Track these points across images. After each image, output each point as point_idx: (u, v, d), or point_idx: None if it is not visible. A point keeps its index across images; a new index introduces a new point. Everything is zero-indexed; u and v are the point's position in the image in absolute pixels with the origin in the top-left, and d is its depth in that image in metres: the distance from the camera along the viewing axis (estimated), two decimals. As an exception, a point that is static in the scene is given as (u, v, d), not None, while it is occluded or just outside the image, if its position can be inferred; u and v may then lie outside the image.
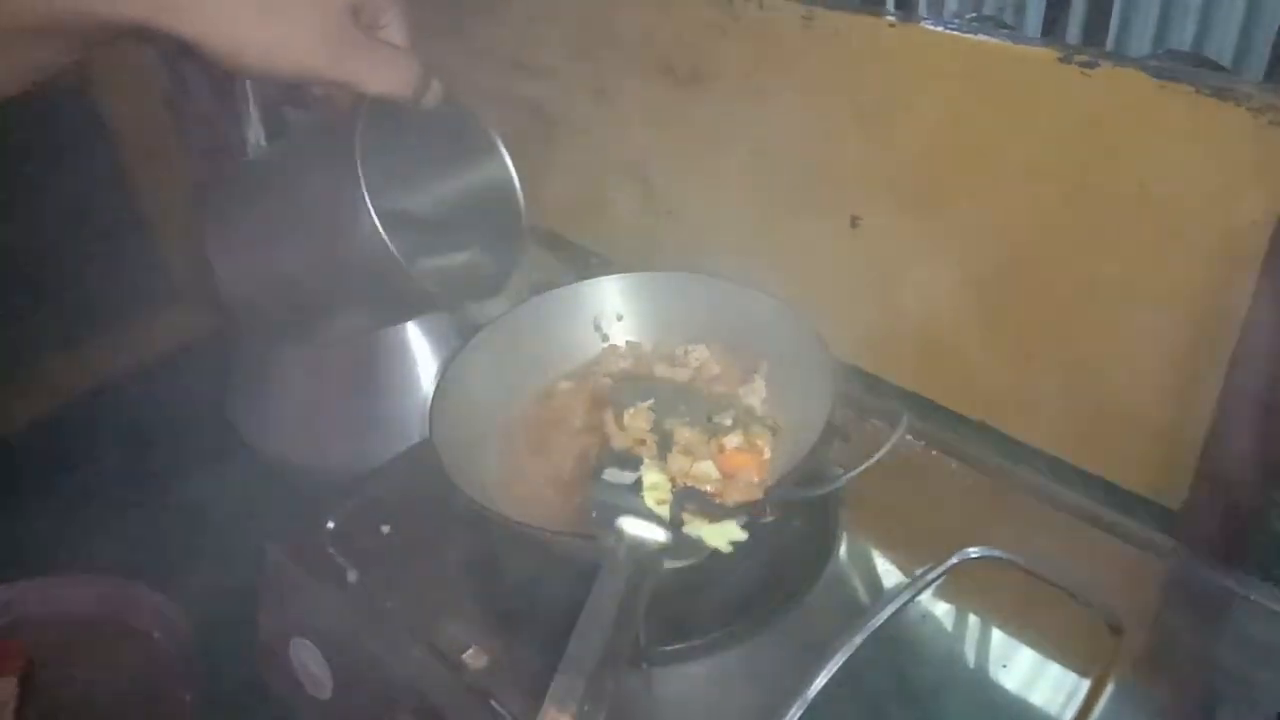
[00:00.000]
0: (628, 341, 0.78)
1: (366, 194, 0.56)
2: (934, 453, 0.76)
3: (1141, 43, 0.88)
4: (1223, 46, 0.83)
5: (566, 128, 1.00)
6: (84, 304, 1.19)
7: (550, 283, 0.81)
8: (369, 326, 0.77)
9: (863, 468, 0.60)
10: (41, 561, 0.98)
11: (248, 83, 0.64)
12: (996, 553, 0.66)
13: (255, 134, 0.63)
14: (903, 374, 0.85)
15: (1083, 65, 0.63)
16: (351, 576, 0.69)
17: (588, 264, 1.05)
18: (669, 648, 0.63)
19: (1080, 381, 0.73)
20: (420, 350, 0.84)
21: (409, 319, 0.83)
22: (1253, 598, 0.63)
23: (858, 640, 0.62)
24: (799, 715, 0.58)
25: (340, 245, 0.59)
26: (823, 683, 0.60)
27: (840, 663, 0.60)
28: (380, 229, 0.57)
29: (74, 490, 1.01)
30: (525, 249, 0.68)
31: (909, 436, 0.77)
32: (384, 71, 0.54)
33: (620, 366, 0.77)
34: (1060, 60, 0.64)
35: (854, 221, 0.81)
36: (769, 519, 0.58)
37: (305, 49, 0.50)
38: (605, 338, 0.79)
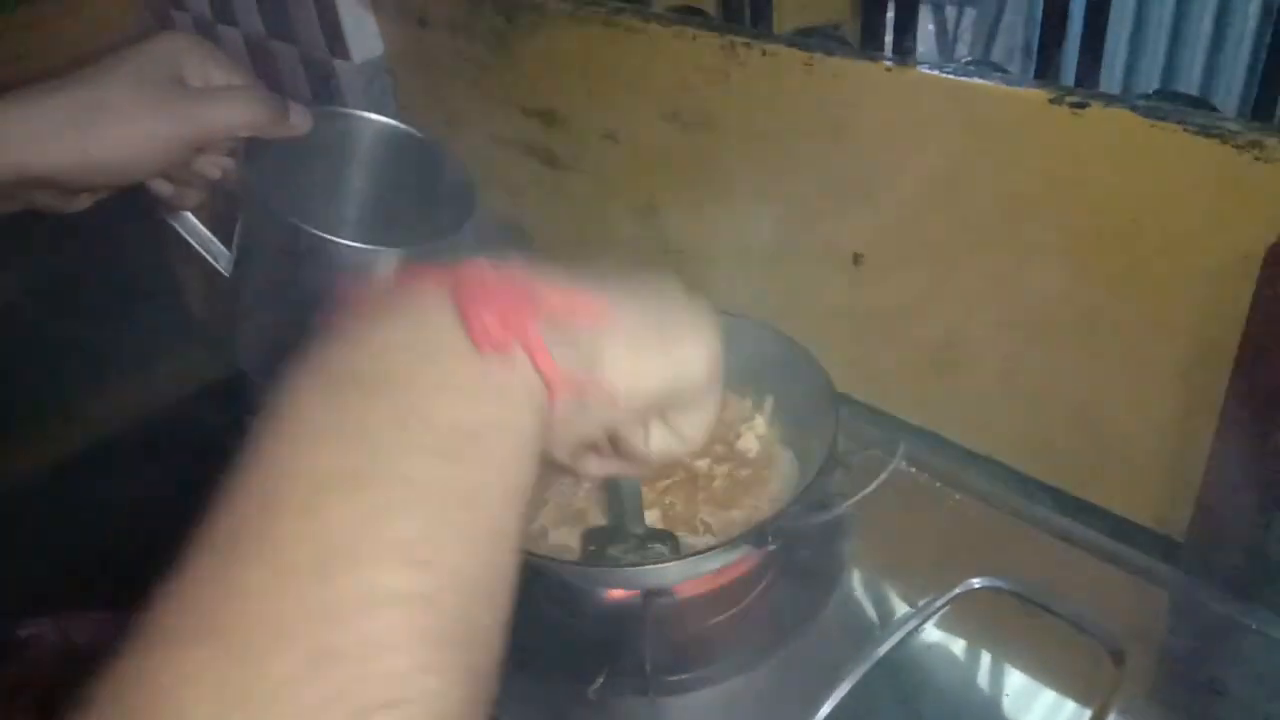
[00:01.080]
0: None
1: (268, 208, 0.59)
2: (938, 485, 0.77)
3: (1149, 82, 0.90)
4: (1230, 88, 0.85)
5: (578, 172, 1.03)
6: (111, 343, 1.22)
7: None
8: None
9: (859, 496, 0.61)
10: (60, 595, 1.00)
11: (185, 215, 0.67)
12: (1000, 583, 0.67)
13: (217, 252, 0.66)
14: (909, 408, 0.86)
15: (1073, 106, 0.65)
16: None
17: (600, 304, 1.07)
18: (675, 677, 0.64)
19: (1081, 415, 0.74)
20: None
21: None
22: (1255, 627, 0.63)
23: (862, 670, 0.63)
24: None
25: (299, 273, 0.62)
26: (827, 711, 0.61)
27: (845, 691, 0.61)
28: (297, 222, 0.59)
29: (102, 525, 1.03)
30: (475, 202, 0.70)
31: (913, 469, 0.78)
32: (232, 109, 0.59)
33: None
34: (1051, 101, 0.65)
35: (856, 259, 0.83)
36: (771, 547, 0.59)
37: (148, 127, 0.56)
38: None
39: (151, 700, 0.24)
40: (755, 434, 0.72)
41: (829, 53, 0.76)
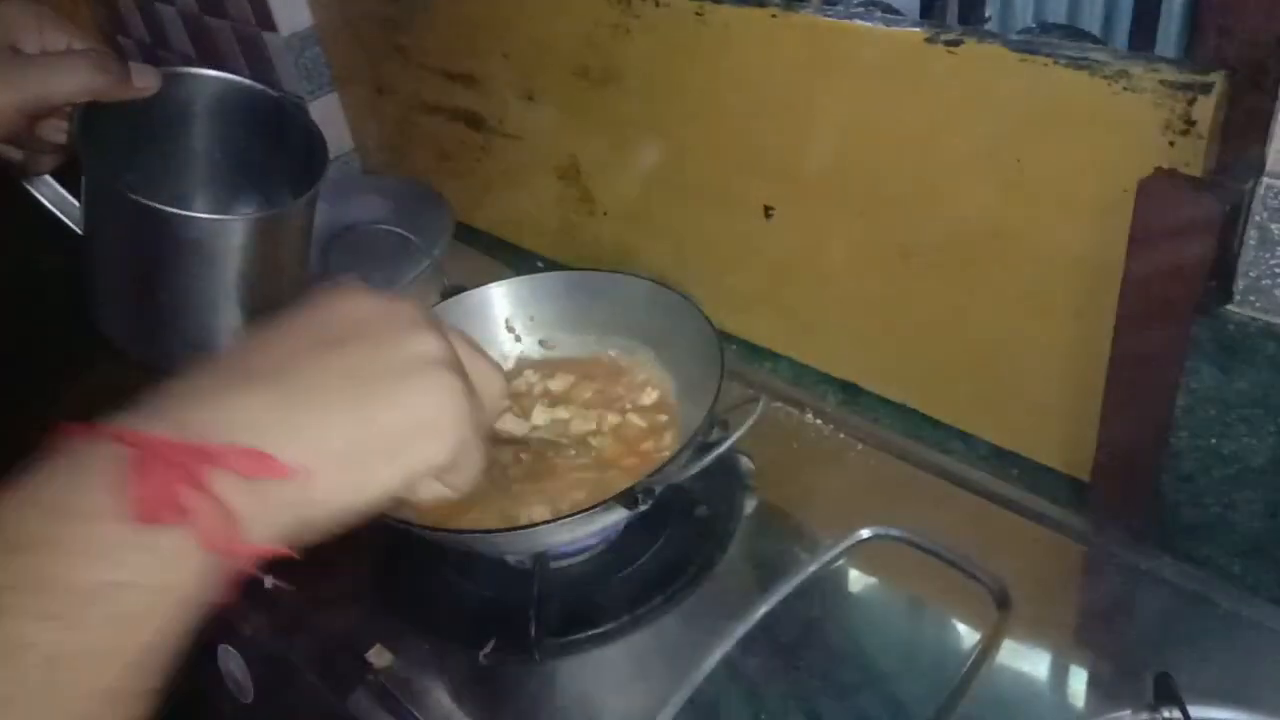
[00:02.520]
0: (540, 340, 0.80)
1: (96, 175, 0.58)
2: (842, 436, 0.76)
3: (1025, 19, 0.88)
4: (1122, 21, 0.83)
5: (501, 135, 1.02)
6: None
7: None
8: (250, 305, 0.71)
9: (716, 452, 0.60)
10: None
11: (41, 179, 0.66)
12: (893, 531, 0.66)
13: (75, 213, 0.65)
14: (824, 359, 0.85)
15: (948, 44, 0.63)
16: (268, 583, 0.71)
17: (534, 267, 1.06)
18: (563, 639, 0.64)
19: (985, 357, 0.73)
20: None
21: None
22: (1144, 568, 0.63)
23: (748, 625, 0.63)
24: (687, 696, 0.59)
25: (142, 238, 0.61)
26: (712, 664, 0.61)
27: (733, 643, 0.61)
28: (125, 191, 0.58)
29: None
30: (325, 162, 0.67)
31: (818, 421, 0.78)
32: (68, 74, 0.57)
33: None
34: (927, 40, 0.64)
35: (767, 212, 0.81)
36: (643, 508, 0.59)
37: None
38: (518, 338, 0.80)
39: None
40: (648, 400, 0.72)
41: (718, 1, 0.74)
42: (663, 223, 0.92)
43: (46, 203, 0.65)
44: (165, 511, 0.30)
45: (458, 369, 0.39)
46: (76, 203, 0.64)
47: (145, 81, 0.60)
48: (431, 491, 0.41)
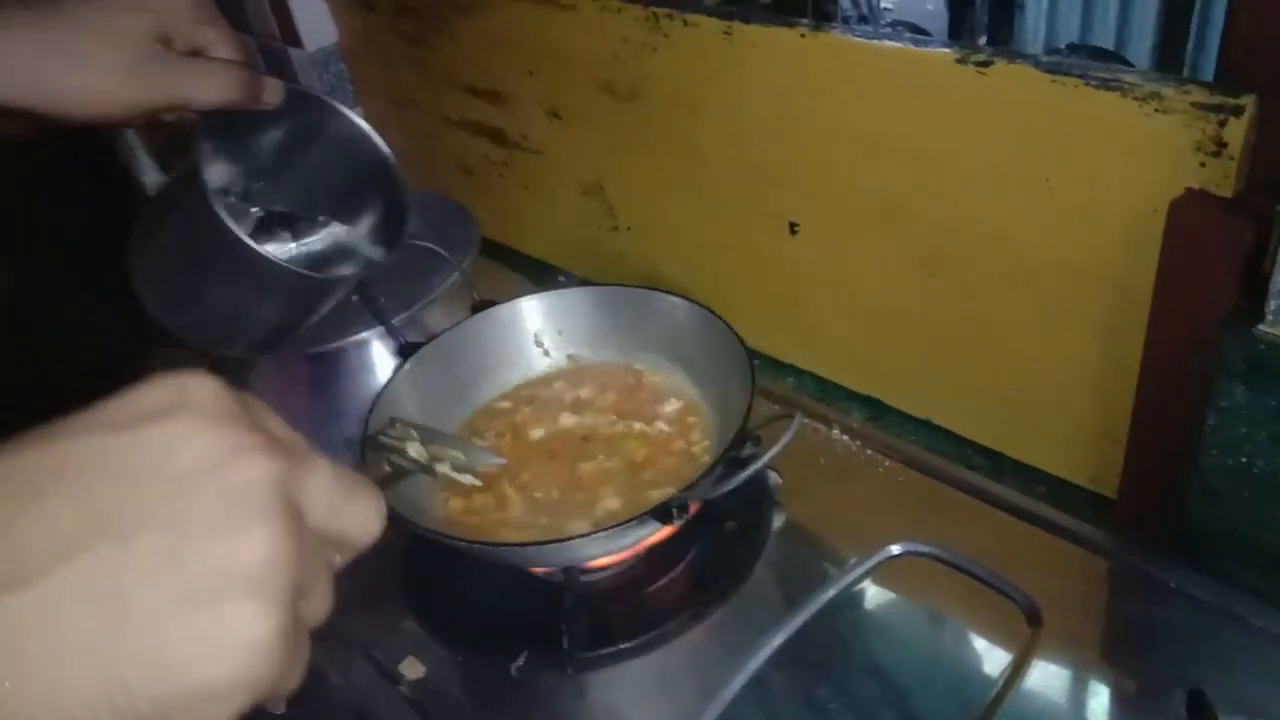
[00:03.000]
0: (568, 355, 0.81)
1: (209, 193, 0.60)
2: (869, 452, 0.77)
3: (1068, 38, 0.89)
4: (1141, 41, 0.83)
5: (526, 150, 1.03)
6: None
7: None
8: (285, 325, 0.74)
9: (753, 467, 0.61)
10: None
11: (129, 131, 0.67)
12: (921, 547, 0.67)
13: (150, 175, 0.66)
14: (848, 375, 0.86)
15: (978, 65, 0.64)
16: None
17: (555, 281, 1.07)
18: (596, 652, 0.64)
19: (1011, 374, 0.73)
20: (361, 372, 0.87)
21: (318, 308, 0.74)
22: (1174, 585, 0.63)
23: (779, 640, 0.63)
24: (717, 714, 0.59)
25: (216, 250, 0.62)
26: (744, 681, 0.61)
27: (763, 659, 0.61)
28: (225, 219, 0.60)
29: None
30: (409, 206, 0.70)
31: (845, 437, 0.78)
32: (205, 84, 0.57)
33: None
34: (958, 61, 0.64)
35: (793, 228, 0.82)
36: (678, 522, 0.60)
37: (115, 85, 0.54)
38: (547, 353, 0.81)
39: None
40: (677, 398, 0.73)
41: (746, 20, 0.75)
42: (686, 238, 0.93)
43: (125, 152, 0.65)
44: None
45: (288, 561, 0.27)
46: (151, 161, 0.65)
47: (274, 96, 0.61)
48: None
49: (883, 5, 0.83)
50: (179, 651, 0.25)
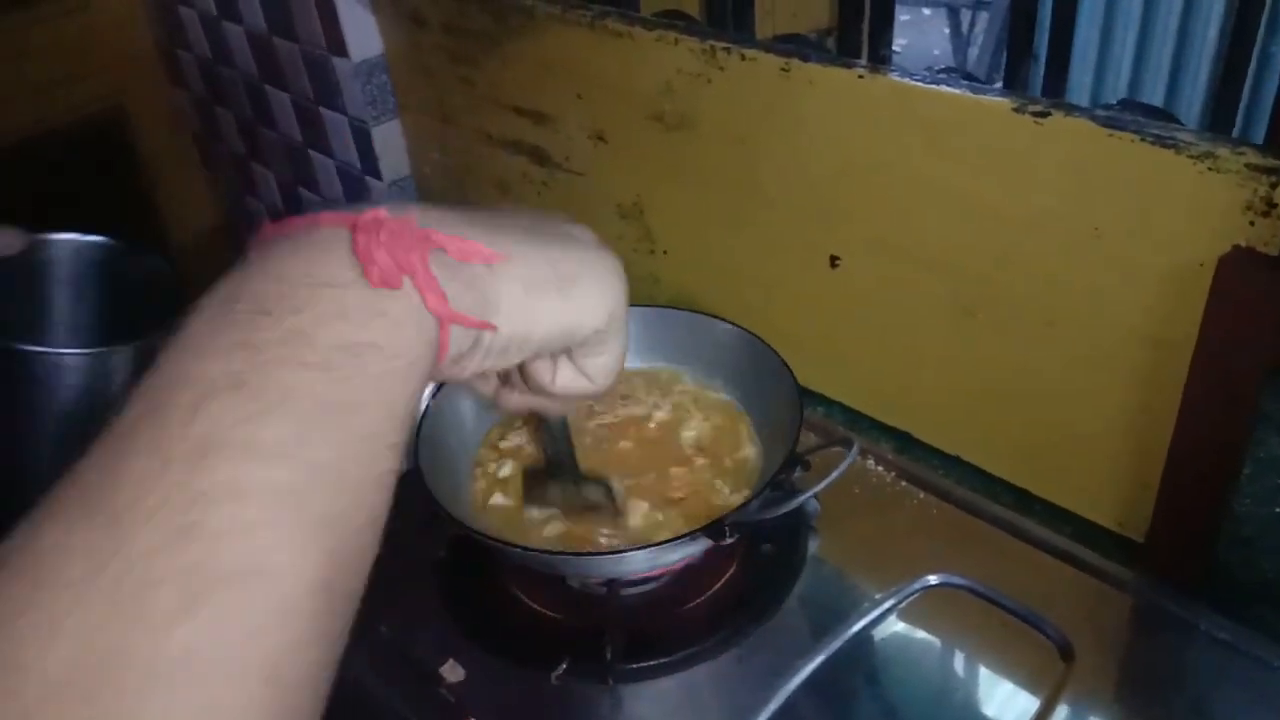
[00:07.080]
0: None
1: None
2: (903, 484, 0.78)
3: (1115, 94, 0.91)
4: (1192, 101, 0.86)
5: (567, 171, 1.05)
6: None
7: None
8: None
9: (816, 489, 0.62)
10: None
11: None
12: (956, 579, 0.68)
13: None
14: (881, 409, 0.87)
15: (1035, 115, 0.66)
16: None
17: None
18: (636, 665, 0.65)
19: (1045, 417, 0.75)
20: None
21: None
22: (1202, 628, 0.65)
23: (816, 662, 0.64)
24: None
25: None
26: (781, 702, 0.62)
27: (797, 684, 0.63)
28: None
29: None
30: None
31: (879, 468, 0.80)
32: None
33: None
34: (1015, 110, 0.67)
35: (833, 262, 0.84)
36: (729, 540, 0.61)
37: None
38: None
39: (32, 562, 0.27)
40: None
41: (804, 59, 0.77)
42: (722, 264, 0.95)
43: None
44: (398, 278, 0.34)
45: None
46: None
47: (9, 241, 0.66)
48: (570, 381, 0.47)
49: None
50: (585, 252, 0.43)
